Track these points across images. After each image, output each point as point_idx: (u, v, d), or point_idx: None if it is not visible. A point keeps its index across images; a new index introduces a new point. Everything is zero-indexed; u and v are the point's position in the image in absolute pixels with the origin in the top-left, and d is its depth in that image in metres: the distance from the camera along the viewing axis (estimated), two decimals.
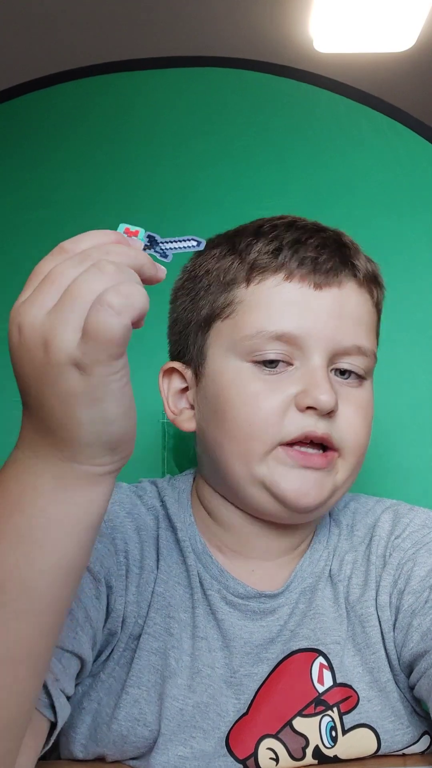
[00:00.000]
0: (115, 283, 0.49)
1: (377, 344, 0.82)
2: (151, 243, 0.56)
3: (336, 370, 0.76)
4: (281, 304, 0.75)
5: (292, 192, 1.19)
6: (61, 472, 0.53)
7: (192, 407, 0.81)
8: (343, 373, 0.76)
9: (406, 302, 1.16)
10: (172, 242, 0.56)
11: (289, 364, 0.75)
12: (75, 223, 1.17)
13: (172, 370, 0.82)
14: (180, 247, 0.57)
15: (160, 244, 0.56)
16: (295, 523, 0.79)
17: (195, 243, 0.57)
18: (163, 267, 0.54)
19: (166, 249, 0.56)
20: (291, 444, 0.74)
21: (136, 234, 0.55)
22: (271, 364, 0.75)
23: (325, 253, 0.76)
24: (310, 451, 0.74)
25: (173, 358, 0.83)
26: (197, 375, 0.80)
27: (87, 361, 0.49)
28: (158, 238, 0.56)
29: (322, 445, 0.75)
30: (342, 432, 0.75)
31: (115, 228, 0.56)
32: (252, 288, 0.76)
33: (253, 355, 0.75)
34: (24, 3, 2.20)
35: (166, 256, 0.56)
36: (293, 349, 0.74)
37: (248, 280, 0.76)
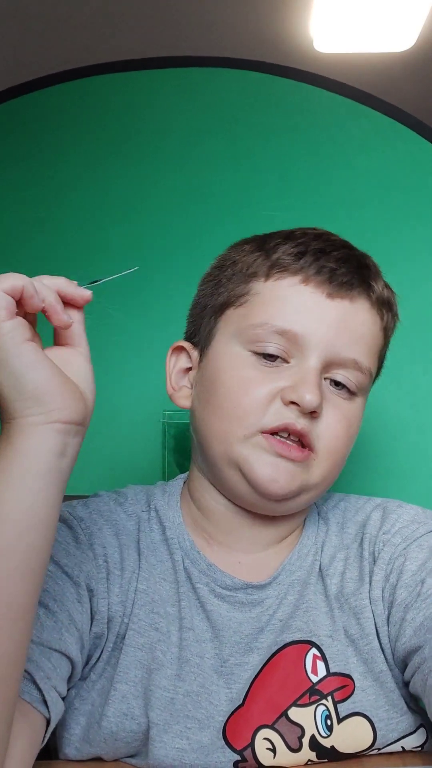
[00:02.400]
0: None
1: (378, 369, 0.85)
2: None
3: (331, 380, 0.79)
4: (292, 303, 0.79)
5: (294, 192, 1.19)
6: (6, 431, 0.62)
7: (191, 387, 0.85)
8: (337, 384, 0.80)
9: (407, 302, 1.15)
10: (103, 279, 0.68)
11: (286, 361, 0.78)
12: (80, 223, 1.18)
13: (181, 348, 0.86)
14: (113, 277, 0.67)
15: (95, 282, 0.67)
16: (270, 514, 0.82)
17: (129, 271, 0.68)
18: (87, 290, 0.65)
19: (98, 281, 0.67)
20: (271, 433, 0.77)
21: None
22: (270, 358, 0.78)
23: (344, 267, 0.80)
24: (289, 442, 0.77)
25: (186, 338, 0.88)
26: (201, 356, 0.84)
27: None
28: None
29: (301, 442, 0.77)
30: (321, 433, 0.78)
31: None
32: (269, 283, 0.80)
33: (254, 344, 0.79)
34: (28, 1, 2.20)
35: (96, 281, 0.67)
36: (292, 347, 0.78)
37: (267, 276, 0.80)
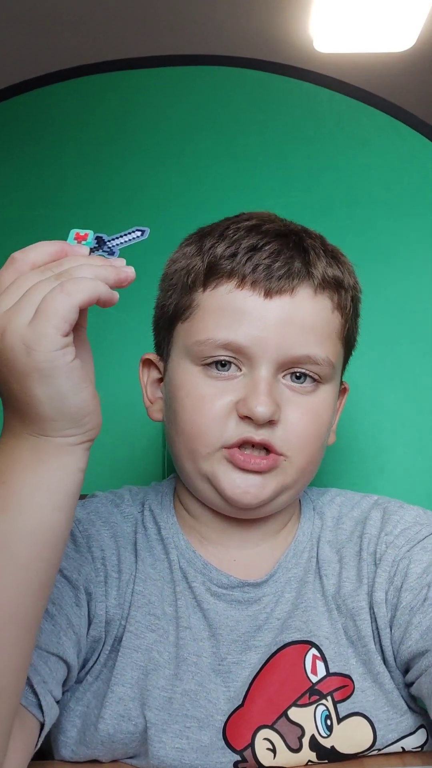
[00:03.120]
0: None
1: (345, 347, 0.83)
2: (99, 244, 0.62)
3: (292, 374, 0.78)
4: (231, 312, 0.76)
5: (293, 190, 1.19)
6: (35, 446, 0.59)
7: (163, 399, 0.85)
8: (299, 377, 0.78)
9: (407, 301, 1.16)
10: (117, 238, 0.62)
11: (239, 368, 0.77)
12: (77, 221, 1.18)
13: (150, 361, 0.86)
14: (125, 241, 0.63)
15: (107, 243, 0.62)
16: (253, 517, 0.81)
17: (139, 233, 0.63)
18: (131, 268, 0.60)
19: (112, 246, 0.62)
20: (231, 447, 0.76)
21: (85, 237, 0.62)
22: (222, 366, 0.77)
23: (279, 259, 0.77)
24: (254, 453, 0.76)
25: (155, 348, 0.87)
26: (165, 370, 0.83)
27: (34, 336, 0.56)
28: (105, 237, 0.63)
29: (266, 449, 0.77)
30: (286, 435, 0.77)
31: (113, 231, 0.61)
32: (208, 293, 0.78)
33: (203, 360, 0.77)
34: (27, 0, 2.20)
35: (113, 253, 0.62)
36: (241, 356, 0.76)
37: (205, 285, 0.78)
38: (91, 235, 0.62)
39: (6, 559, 0.59)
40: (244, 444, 0.76)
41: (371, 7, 2.35)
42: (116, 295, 0.59)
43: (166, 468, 1.11)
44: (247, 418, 0.75)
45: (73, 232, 0.62)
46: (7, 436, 0.61)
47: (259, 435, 0.75)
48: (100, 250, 0.62)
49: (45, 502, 0.59)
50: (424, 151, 1.20)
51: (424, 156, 1.20)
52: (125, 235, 0.62)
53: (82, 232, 0.62)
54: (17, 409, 0.59)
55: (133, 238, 0.63)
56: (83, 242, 0.62)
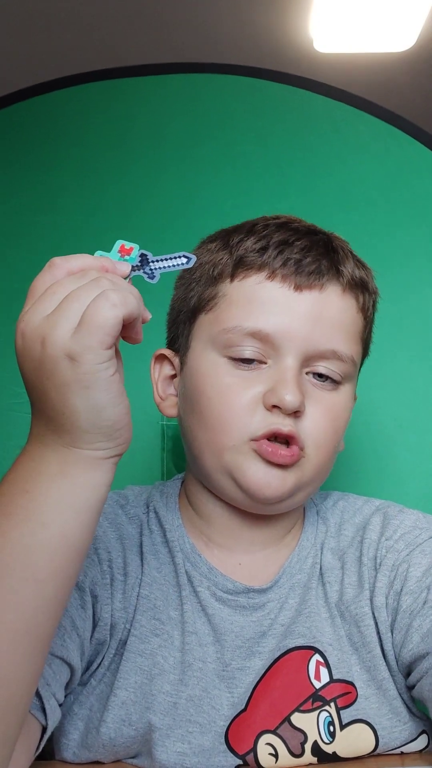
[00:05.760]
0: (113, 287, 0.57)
1: (362, 350, 0.83)
2: (143, 262, 0.60)
3: (314, 373, 0.78)
4: (260, 302, 0.77)
5: (291, 197, 1.19)
6: (63, 457, 0.59)
7: (177, 395, 0.84)
8: (321, 376, 0.78)
9: (405, 307, 1.16)
10: (162, 260, 0.61)
11: (263, 362, 0.77)
12: (77, 228, 1.19)
13: (163, 356, 0.85)
14: (169, 266, 0.61)
15: (151, 264, 0.60)
16: (268, 513, 0.81)
17: (185, 260, 0.61)
18: (149, 312, 0.60)
19: (154, 269, 0.60)
20: (259, 439, 0.76)
21: (130, 251, 0.60)
22: (246, 362, 0.77)
23: (310, 255, 0.77)
24: (277, 443, 0.76)
25: (168, 344, 0.86)
26: (182, 363, 0.83)
27: (78, 349, 0.55)
28: (150, 256, 0.61)
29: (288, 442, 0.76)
30: (307, 430, 0.77)
31: (112, 240, 0.59)
32: (235, 283, 0.78)
33: (229, 350, 0.77)
34: (27, 7, 2.21)
35: (153, 278, 0.61)
36: (267, 347, 0.76)
37: (233, 276, 0.78)
38: (136, 249, 0.60)
39: (24, 572, 0.58)
40: (271, 436, 0.75)
41: (371, 7, 2.35)
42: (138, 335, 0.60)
43: (165, 468, 1.11)
44: (275, 408, 0.75)
45: (119, 244, 0.60)
46: (34, 445, 0.60)
47: (286, 426, 0.75)
48: (142, 271, 0.60)
49: (68, 516, 0.59)
50: (421, 158, 1.20)
51: (420, 163, 1.21)
52: (170, 259, 0.61)
53: (128, 245, 0.60)
54: (51, 418, 0.58)
55: (178, 265, 0.61)
56: (126, 257, 0.60)
